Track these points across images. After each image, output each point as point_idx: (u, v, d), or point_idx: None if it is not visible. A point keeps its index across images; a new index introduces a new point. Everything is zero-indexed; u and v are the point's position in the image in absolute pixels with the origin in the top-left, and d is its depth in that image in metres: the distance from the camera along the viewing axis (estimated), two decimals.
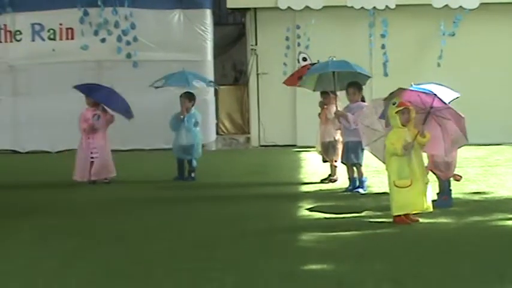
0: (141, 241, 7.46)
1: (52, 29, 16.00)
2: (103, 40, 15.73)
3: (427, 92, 8.00)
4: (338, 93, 10.51)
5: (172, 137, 11.66)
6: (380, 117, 8.55)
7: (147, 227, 8.16)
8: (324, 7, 15.86)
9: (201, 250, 6.95)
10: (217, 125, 16.66)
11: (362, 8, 15.92)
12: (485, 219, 8.26)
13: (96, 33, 15.76)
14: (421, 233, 7.55)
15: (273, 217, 8.61)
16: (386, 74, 15.99)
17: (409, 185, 7.83)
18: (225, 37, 17.63)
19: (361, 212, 8.66)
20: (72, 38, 15.97)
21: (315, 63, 12.34)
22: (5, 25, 16.02)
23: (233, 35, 18.02)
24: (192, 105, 11.57)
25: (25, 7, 15.83)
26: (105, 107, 11.35)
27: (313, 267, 6.33)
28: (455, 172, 8.88)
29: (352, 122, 9.86)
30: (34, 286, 5.90)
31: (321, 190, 10.46)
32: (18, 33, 16.03)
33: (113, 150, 11.63)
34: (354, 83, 10.31)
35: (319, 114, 11.15)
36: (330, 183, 10.87)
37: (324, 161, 11.21)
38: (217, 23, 16.80)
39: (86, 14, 15.75)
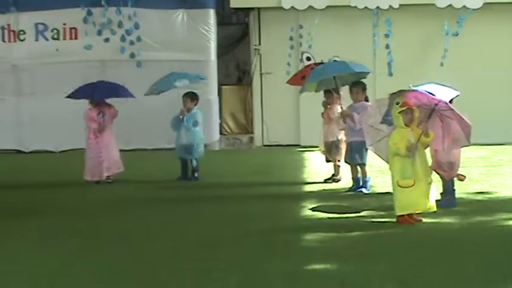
0: (144, 241, 7.46)
1: (56, 29, 15.99)
2: (107, 40, 15.71)
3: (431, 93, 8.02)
4: (341, 92, 10.50)
5: (174, 136, 11.68)
6: (381, 122, 8.50)
7: (150, 227, 8.16)
8: (328, 7, 15.82)
9: (204, 250, 6.95)
10: (220, 124, 16.64)
11: (365, 7, 15.88)
12: (489, 219, 8.25)
13: (99, 33, 15.73)
14: (425, 233, 7.55)
15: (276, 217, 8.61)
16: (391, 74, 15.96)
17: (412, 185, 7.82)
18: (228, 37, 17.61)
19: (364, 212, 8.65)
20: (75, 38, 15.96)
21: (319, 62, 12.33)
22: (8, 25, 16.00)
23: (237, 35, 18.00)
24: (195, 105, 11.57)
25: (29, 7, 15.81)
26: (106, 101, 11.42)
27: (317, 267, 6.33)
28: (458, 172, 8.86)
29: (358, 122, 9.84)
30: (37, 286, 5.91)
31: (324, 190, 10.45)
32: (21, 32, 16.01)
33: None
34: (358, 82, 10.29)
35: (322, 113, 11.14)
36: (334, 183, 10.86)
37: (327, 161, 11.20)
38: (220, 22, 16.77)
39: (89, 13, 15.73)
